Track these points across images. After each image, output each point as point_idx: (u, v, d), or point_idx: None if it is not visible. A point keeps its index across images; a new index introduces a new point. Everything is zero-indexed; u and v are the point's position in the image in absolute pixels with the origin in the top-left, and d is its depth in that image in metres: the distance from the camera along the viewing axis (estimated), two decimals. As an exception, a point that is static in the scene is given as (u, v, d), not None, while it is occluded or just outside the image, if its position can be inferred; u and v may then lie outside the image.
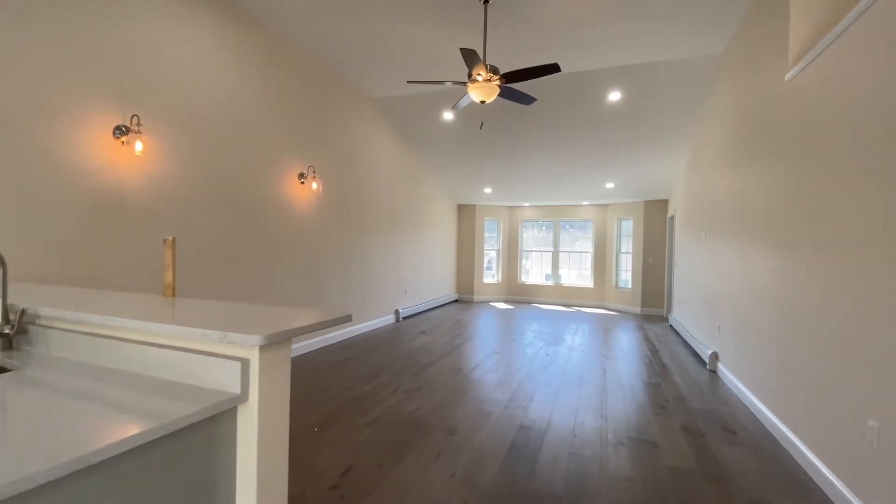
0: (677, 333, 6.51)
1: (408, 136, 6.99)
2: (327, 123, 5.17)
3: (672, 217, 7.82)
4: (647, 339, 6.07)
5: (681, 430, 2.98)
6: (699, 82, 4.89)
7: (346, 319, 1.26)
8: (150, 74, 3.19)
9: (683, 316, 6.33)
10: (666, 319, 7.83)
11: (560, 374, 4.31)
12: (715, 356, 4.53)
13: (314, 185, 4.76)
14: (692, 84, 4.95)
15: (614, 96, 5.36)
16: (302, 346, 4.83)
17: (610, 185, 7.80)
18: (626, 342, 5.87)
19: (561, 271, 9.95)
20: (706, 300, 4.97)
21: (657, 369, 4.57)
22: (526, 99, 3.92)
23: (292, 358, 4.56)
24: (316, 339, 5.08)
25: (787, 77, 2.89)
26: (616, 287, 9.10)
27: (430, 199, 8.35)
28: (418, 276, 7.87)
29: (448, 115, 6.23)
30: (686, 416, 3.26)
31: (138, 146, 2.97)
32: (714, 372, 4.51)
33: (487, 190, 8.68)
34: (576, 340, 5.90)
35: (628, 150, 6.53)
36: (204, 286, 3.65)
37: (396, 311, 6.97)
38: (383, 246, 6.62)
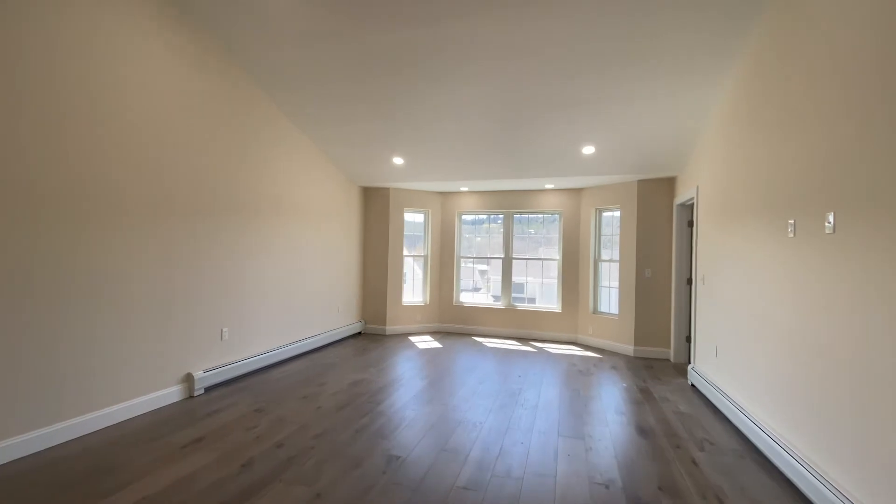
0: (719, 414, 3.46)
1: (233, 44, 3.65)
2: None
3: (689, 204, 4.85)
4: (672, 438, 2.97)
5: None
6: None
7: None
8: None
9: (734, 379, 3.29)
10: (680, 371, 4.82)
11: None
12: None
13: None
14: None
15: None
16: None
17: (589, 150, 4.75)
18: (634, 454, 2.74)
19: (516, 280, 6.85)
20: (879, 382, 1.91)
21: None
22: None
23: None
24: None
25: None
26: (595, 312, 6.07)
27: (304, 174, 5.03)
28: (271, 303, 4.52)
29: (267, -25, 2.96)
30: None
31: None
32: None
33: (397, 160, 5.44)
34: (532, 448, 2.71)
35: (621, 78, 3.48)
36: None
37: (188, 378, 3.58)
38: (165, 254, 3.24)
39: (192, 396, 3.57)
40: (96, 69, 2.84)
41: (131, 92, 3.06)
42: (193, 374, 3.57)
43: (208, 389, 3.73)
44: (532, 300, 6.84)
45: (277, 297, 4.65)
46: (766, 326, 2.80)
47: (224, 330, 3.93)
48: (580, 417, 3.32)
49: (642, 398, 3.82)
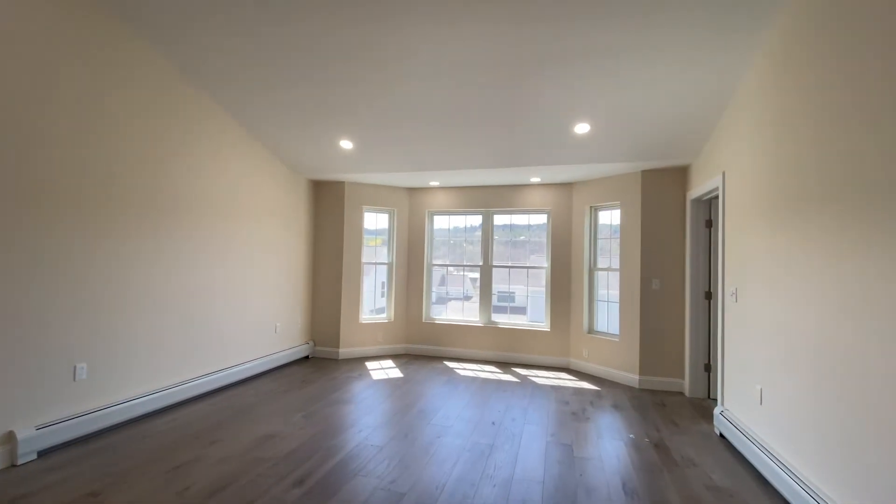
0: (770, 488, 2.41)
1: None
2: None
3: (707, 198, 3.84)
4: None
5: None
6: None
7: None
8: None
9: (793, 440, 2.25)
10: (700, 411, 3.77)
11: None
12: None
13: None
14: None
15: None
16: None
17: (583, 129, 3.75)
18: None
19: (500, 290, 5.85)
20: None
21: None
22: None
23: None
24: None
25: None
26: (591, 332, 5.04)
27: (231, 161, 3.98)
28: (169, 324, 3.43)
29: None
30: None
31: None
32: None
33: (345, 144, 4.40)
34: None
35: (624, 38, 2.48)
36: None
37: (10, 438, 2.48)
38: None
39: (14, 465, 2.47)
40: None
41: None
42: (16, 433, 2.47)
43: (45, 453, 2.62)
44: (522, 310, 5.82)
45: (179, 317, 3.56)
46: (865, 376, 1.78)
47: (79, 367, 2.83)
48: (573, 502, 2.26)
49: (658, 460, 2.77)
